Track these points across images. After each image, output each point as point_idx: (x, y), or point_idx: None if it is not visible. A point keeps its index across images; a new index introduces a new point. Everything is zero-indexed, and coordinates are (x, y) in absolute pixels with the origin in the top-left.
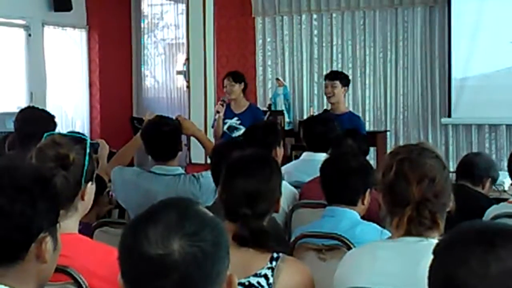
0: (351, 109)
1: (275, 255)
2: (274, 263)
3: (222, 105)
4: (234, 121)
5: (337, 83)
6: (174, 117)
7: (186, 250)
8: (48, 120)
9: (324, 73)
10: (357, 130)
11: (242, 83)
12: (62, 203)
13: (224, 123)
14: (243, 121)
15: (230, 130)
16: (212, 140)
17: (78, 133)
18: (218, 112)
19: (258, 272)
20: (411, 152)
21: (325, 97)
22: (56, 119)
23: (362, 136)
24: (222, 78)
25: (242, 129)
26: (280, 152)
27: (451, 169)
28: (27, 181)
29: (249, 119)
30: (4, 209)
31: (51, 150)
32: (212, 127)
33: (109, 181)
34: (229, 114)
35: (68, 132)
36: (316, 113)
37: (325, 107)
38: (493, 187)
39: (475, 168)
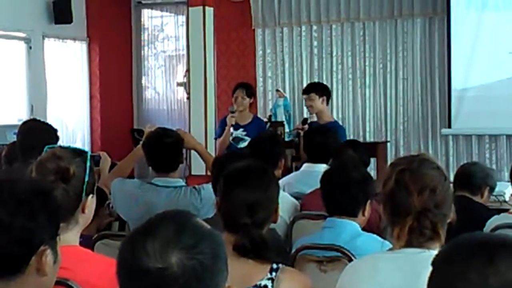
0: (350, 119)
1: (274, 266)
2: (274, 273)
3: (234, 117)
4: (240, 132)
5: (313, 95)
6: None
7: (184, 263)
8: (50, 133)
9: (325, 84)
10: (358, 141)
11: (252, 98)
12: (62, 216)
13: (230, 134)
14: (249, 133)
15: (235, 141)
16: (212, 153)
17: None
18: (232, 125)
19: (258, 283)
20: (411, 163)
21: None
22: (58, 132)
23: (363, 147)
24: (233, 86)
25: (248, 140)
26: (283, 163)
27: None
28: (27, 195)
29: (254, 130)
30: (4, 222)
31: (52, 163)
32: (219, 137)
33: (110, 193)
34: (234, 125)
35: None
36: (297, 123)
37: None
38: (494, 197)
39: (472, 178)
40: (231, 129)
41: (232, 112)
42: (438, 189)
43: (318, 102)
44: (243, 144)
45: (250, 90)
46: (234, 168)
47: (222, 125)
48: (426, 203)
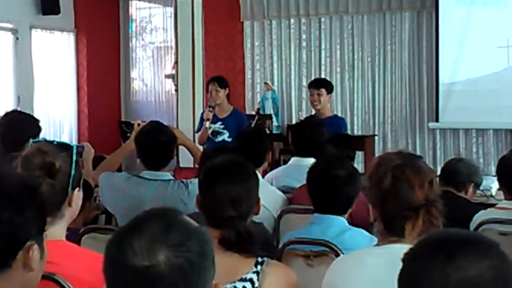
0: (339, 113)
1: (259, 259)
2: (259, 267)
3: (211, 111)
4: (217, 126)
5: (323, 91)
6: None
7: (172, 261)
8: (32, 125)
9: (313, 77)
10: (341, 135)
11: (227, 88)
12: (49, 211)
13: (208, 128)
14: (227, 126)
15: (213, 134)
16: (200, 147)
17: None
18: (208, 119)
19: (244, 276)
20: (405, 158)
21: None
22: (44, 123)
23: (347, 142)
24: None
25: (226, 133)
26: (270, 157)
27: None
28: (14, 190)
29: (233, 123)
30: None
31: (37, 158)
32: (197, 131)
33: (96, 186)
34: (213, 119)
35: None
36: (303, 118)
37: (311, 113)
38: (481, 192)
39: (456, 174)
40: (208, 123)
41: (210, 107)
42: (434, 182)
43: (326, 98)
44: (221, 138)
45: (222, 81)
46: (212, 164)
47: (201, 120)
48: (428, 195)
